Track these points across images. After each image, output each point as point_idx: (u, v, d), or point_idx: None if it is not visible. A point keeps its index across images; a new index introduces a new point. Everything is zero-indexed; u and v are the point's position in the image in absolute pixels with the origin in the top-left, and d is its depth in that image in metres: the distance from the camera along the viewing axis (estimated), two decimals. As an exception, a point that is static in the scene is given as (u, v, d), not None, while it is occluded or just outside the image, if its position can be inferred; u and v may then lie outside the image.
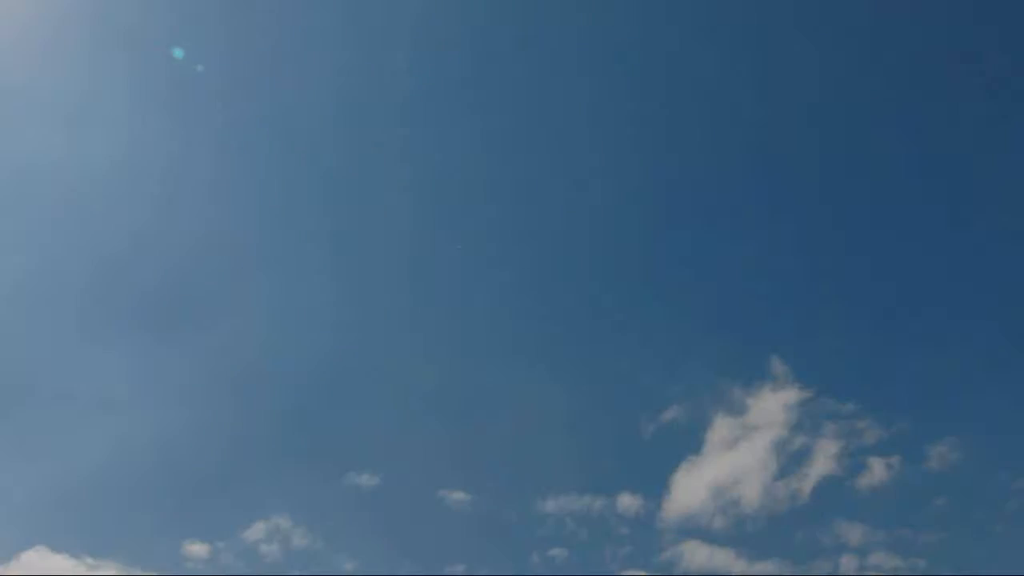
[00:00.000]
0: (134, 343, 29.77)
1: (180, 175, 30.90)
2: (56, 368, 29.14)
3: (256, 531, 28.24)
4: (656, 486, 30.70)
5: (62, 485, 27.37)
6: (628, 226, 34.93)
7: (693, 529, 30.05)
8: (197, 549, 27.66)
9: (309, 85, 32.86)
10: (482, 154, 34.78)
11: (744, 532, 29.03)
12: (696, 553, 29.84)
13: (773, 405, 30.79)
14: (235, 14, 31.25)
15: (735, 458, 31.09)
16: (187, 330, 29.94)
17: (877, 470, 29.07)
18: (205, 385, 29.59)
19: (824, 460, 29.43)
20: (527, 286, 34.22)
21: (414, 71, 33.63)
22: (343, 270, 32.33)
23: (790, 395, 30.72)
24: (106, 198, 30.46)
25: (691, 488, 30.73)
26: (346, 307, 32.01)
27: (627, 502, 30.70)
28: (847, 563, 27.35)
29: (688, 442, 31.23)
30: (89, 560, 26.47)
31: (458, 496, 29.88)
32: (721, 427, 31.46)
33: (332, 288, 32.04)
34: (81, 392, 28.91)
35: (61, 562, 26.25)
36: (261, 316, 30.77)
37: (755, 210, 34.09)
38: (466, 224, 34.50)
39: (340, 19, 32.70)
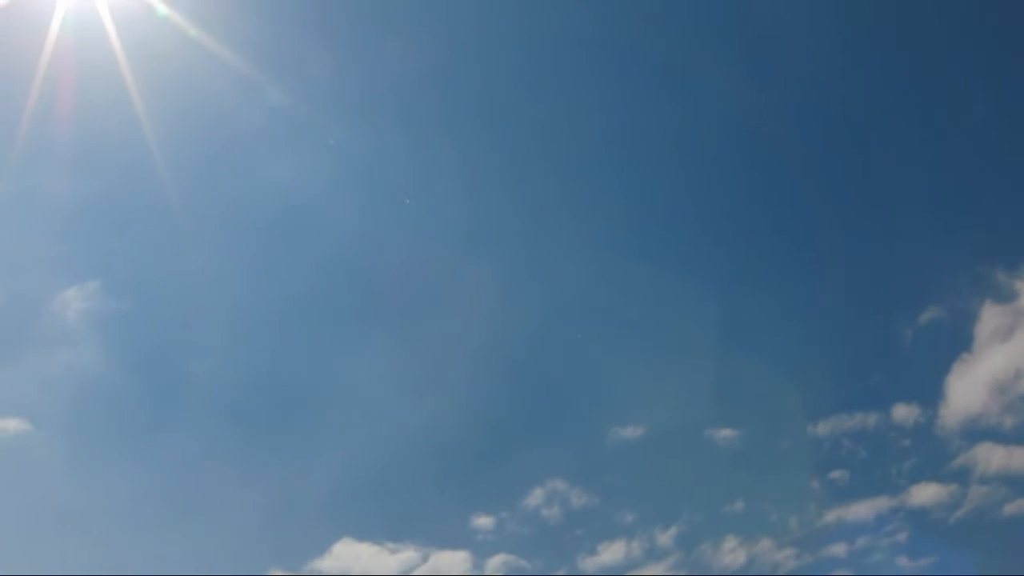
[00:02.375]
0: (382, 341, 31.07)
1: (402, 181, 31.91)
2: (323, 373, 30.86)
3: (535, 497, 28.80)
4: (930, 392, 28.82)
5: (352, 479, 28.99)
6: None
7: (981, 431, 27.99)
8: (484, 521, 28.55)
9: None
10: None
11: (1042, 426, 26.70)
12: (992, 456, 27.79)
13: (1048, 282, 28.08)
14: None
15: (1013, 349, 28.60)
16: (428, 322, 30.93)
17: None
18: (456, 369, 30.40)
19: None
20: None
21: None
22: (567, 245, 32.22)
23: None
24: (332, 208, 31.79)
25: (969, 388, 28.54)
26: (573, 276, 31.92)
27: (903, 413, 29.00)
28: None
29: (956, 339, 29.05)
30: (390, 545, 27.91)
31: (726, 433, 29.22)
32: (990, 317, 28.97)
33: (560, 260, 32.08)
34: (350, 392, 30.46)
35: (366, 549, 27.87)
36: (495, 298, 31.26)
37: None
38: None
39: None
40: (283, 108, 30.27)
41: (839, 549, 27.54)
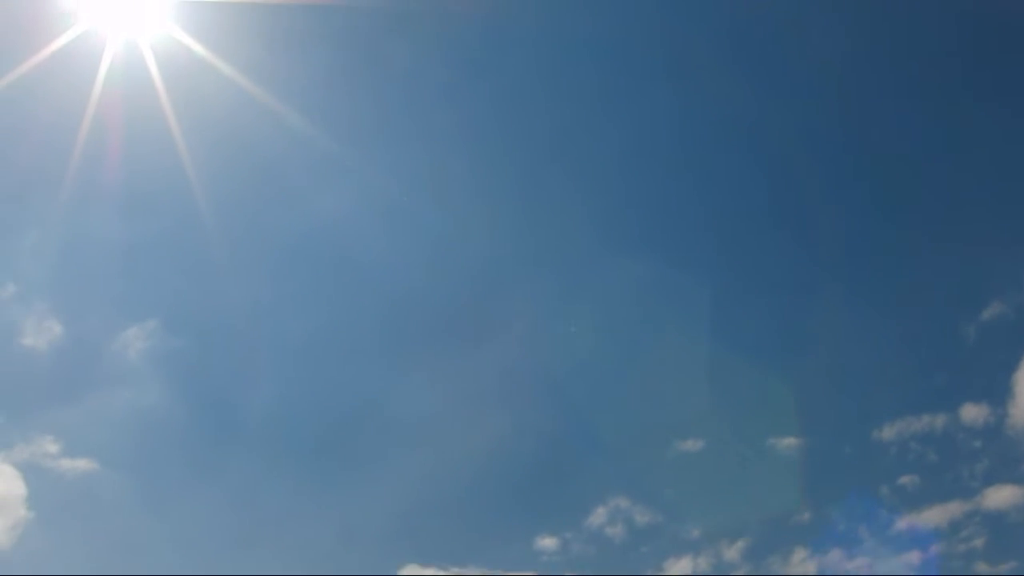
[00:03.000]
0: (438, 365, 31.19)
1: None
2: (381, 399, 31.01)
3: (598, 516, 28.58)
4: (998, 390, 28.07)
5: (415, 504, 28.95)
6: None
7: (1054, 428, 27.12)
8: (548, 542, 28.38)
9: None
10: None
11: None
12: (1070, 453, 26.92)
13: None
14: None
15: (1083, 342, 27.73)
16: (483, 343, 31.02)
17: None
18: (513, 389, 30.42)
19: None
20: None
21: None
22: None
23: None
24: (379, 240, 32.26)
25: (1040, 384, 27.73)
26: (626, 289, 31.82)
27: (971, 413, 28.27)
28: None
29: (1021, 335, 28.31)
30: (455, 569, 27.85)
31: (788, 442, 28.76)
32: (1056, 311, 28.18)
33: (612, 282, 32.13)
34: (408, 417, 30.45)
35: (431, 574, 27.89)
36: (548, 316, 31.31)
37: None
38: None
39: None
40: (324, 147, 30.79)
41: (913, 557, 26.93)
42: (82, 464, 28.23)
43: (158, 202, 31.14)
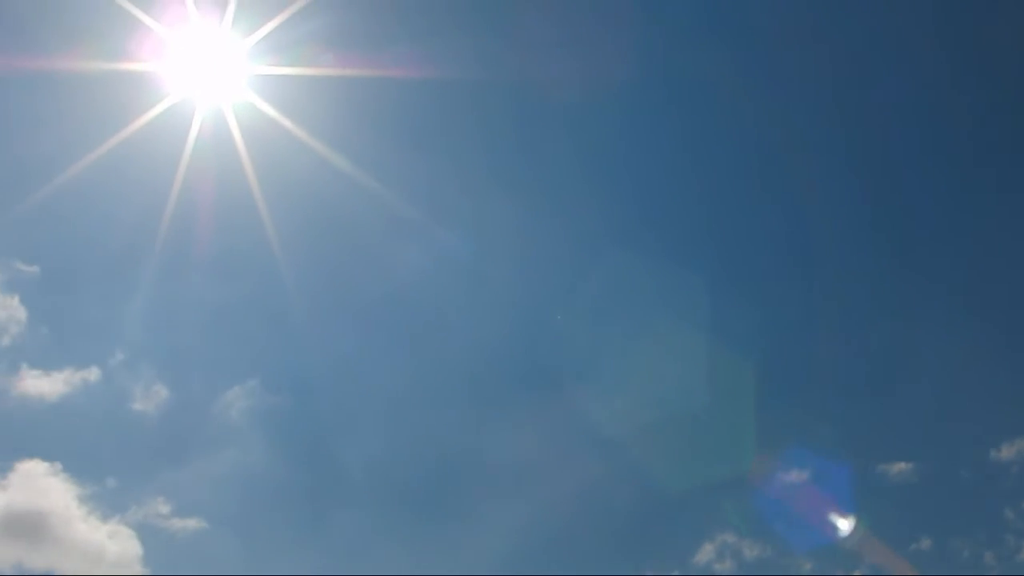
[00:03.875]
0: (533, 411, 31.21)
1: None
2: (479, 448, 31.13)
3: (706, 553, 27.99)
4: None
5: (517, 550, 28.81)
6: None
7: None
8: (656, 581, 27.91)
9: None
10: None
11: None
12: None
13: None
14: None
15: None
16: (576, 386, 31.11)
17: None
18: (611, 430, 30.21)
19: None
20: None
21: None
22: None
23: None
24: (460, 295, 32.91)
25: None
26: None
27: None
28: None
29: None
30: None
31: (899, 467, 27.78)
32: None
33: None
34: (507, 464, 30.48)
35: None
36: (640, 354, 31.32)
37: None
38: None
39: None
40: (400, 210, 31.61)
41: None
42: (192, 523, 28.96)
43: (245, 266, 32.24)
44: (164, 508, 28.71)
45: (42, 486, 27.78)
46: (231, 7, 27.73)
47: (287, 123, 29.65)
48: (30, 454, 27.76)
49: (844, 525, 26.82)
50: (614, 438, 29.90)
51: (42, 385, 29.10)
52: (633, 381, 30.36)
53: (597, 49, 32.25)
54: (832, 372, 29.40)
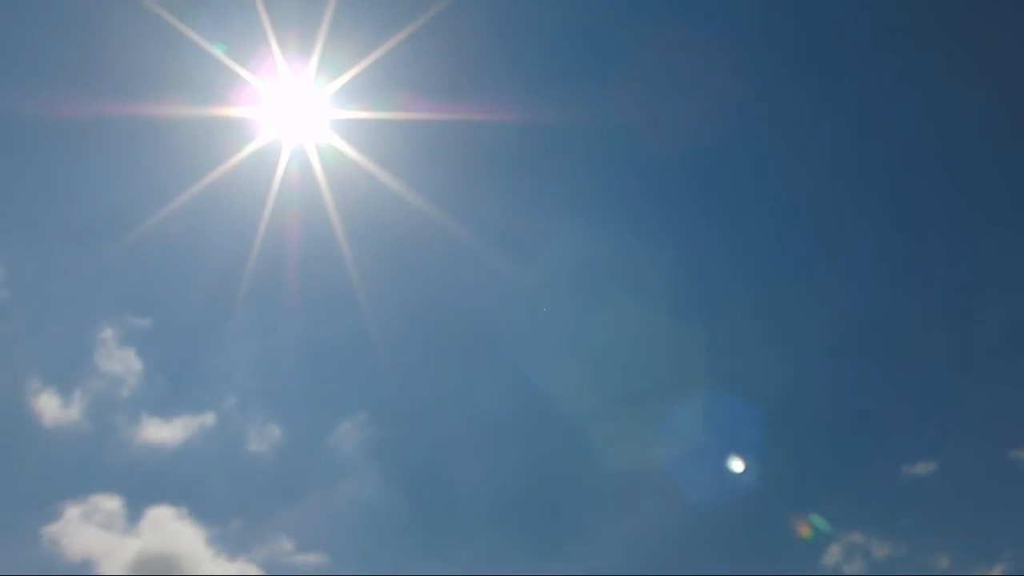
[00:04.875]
0: (638, 424, 31.15)
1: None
2: (583, 467, 31.30)
3: (833, 555, 27.23)
4: None
5: (638, 563, 28.68)
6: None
7: None
8: (783, 588, 27.27)
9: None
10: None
11: None
12: None
13: None
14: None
15: None
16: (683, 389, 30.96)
17: None
18: (725, 431, 29.88)
19: None
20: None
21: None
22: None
23: None
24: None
25: None
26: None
27: None
28: None
29: None
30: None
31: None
32: None
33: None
34: (611, 476, 30.42)
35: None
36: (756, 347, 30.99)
37: None
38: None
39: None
40: (472, 246, 32.04)
41: None
42: (314, 559, 29.58)
43: (334, 303, 32.80)
44: (287, 545, 29.47)
45: (172, 530, 28.86)
46: (316, 53, 28.52)
47: (369, 165, 30.33)
48: (158, 499, 28.95)
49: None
50: (728, 438, 29.55)
51: (163, 433, 30.37)
52: (750, 371, 30.05)
53: (676, 92, 32.52)
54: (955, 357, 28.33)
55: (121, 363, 30.37)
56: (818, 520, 27.38)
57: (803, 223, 33.53)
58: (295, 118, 29.65)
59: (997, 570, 25.51)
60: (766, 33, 33.39)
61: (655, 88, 32.35)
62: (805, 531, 27.40)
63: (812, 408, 29.59)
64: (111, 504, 28.35)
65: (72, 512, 27.88)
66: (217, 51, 28.82)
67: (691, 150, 32.81)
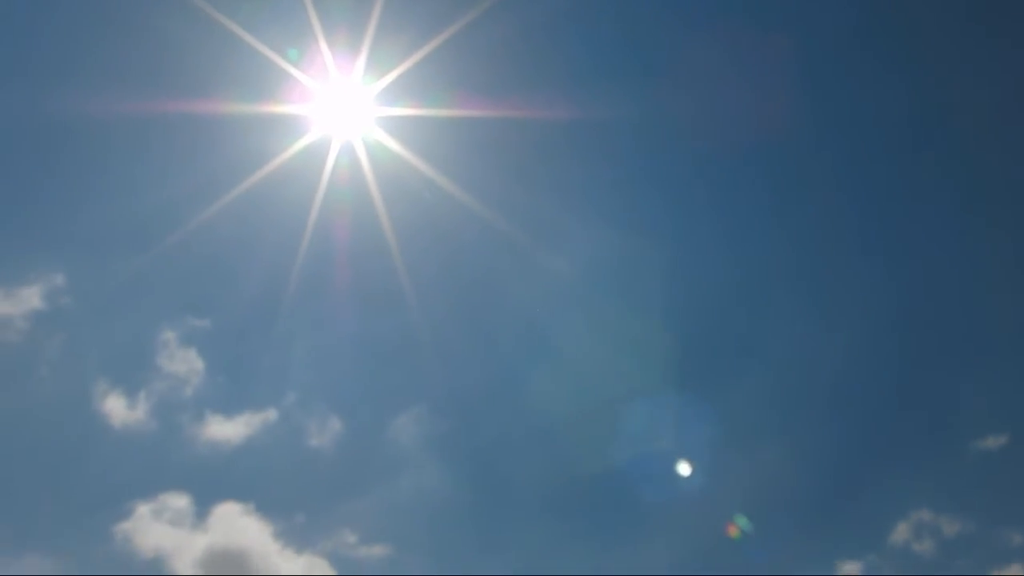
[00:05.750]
0: (714, 400, 31.34)
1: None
2: (644, 444, 31.18)
3: (901, 532, 26.94)
4: None
5: (700, 547, 28.71)
6: None
7: None
8: (851, 567, 26.96)
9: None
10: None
11: None
12: None
13: None
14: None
15: None
16: (754, 369, 31.18)
17: None
18: (793, 411, 29.78)
19: None
20: None
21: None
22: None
23: None
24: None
25: None
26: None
27: None
28: None
29: None
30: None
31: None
32: None
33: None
34: (674, 455, 30.49)
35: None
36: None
37: None
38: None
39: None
40: (520, 242, 32.14)
41: None
42: (378, 551, 29.91)
43: (384, 297, 33.02)
44: (351, 537, 29.84)
45: (239, 525, 29.35)
46: (364, 51, 28.76)
47: (416, 161, 30.53)
48: (225, 496, 29.47)
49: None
50: (795, 416, 29.43)
51: (226, 430, 30.85)
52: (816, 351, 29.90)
53: (726, 88, 32.40)
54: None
55: (183, 363, 30.97)
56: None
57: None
58: (344, 115, 29.96)
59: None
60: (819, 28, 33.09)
61: (704, 85, 32.33)
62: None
63: (880, 384, 29.29)
64: (179, 501, 28.96)
65: (143, 510, 28.51)
66: (266, 49, 29.24)
67: (745, 145, 32.68)
